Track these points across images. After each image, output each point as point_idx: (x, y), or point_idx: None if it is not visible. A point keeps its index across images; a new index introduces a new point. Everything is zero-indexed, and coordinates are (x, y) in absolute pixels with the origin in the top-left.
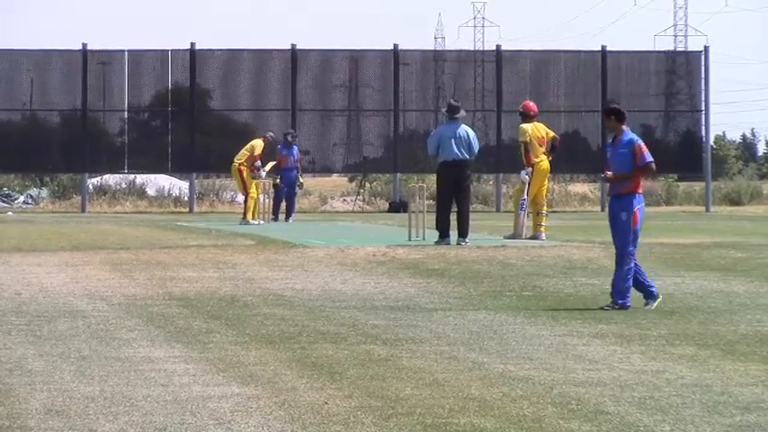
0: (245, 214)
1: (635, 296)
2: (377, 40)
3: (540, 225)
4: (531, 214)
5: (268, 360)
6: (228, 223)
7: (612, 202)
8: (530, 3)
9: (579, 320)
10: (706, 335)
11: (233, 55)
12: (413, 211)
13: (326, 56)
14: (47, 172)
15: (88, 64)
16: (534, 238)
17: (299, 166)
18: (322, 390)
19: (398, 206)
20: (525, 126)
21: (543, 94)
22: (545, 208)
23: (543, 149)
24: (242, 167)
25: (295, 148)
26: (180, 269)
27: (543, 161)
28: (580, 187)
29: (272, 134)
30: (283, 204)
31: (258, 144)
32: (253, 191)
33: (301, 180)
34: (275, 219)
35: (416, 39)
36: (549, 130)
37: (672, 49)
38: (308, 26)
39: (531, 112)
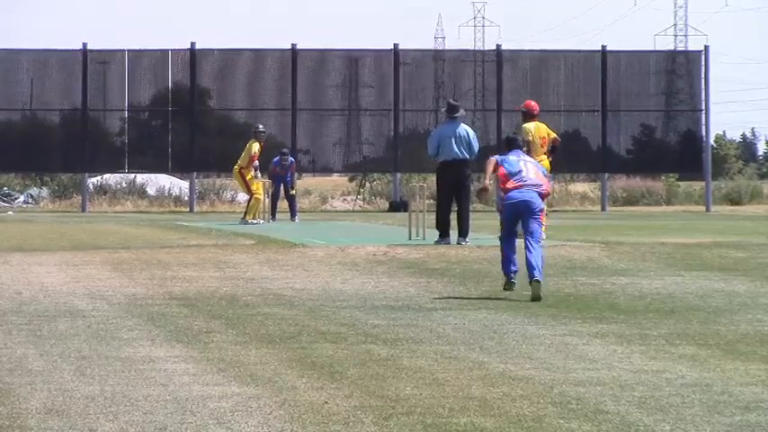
0: (245, 214)
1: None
2: (377, 39)
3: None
4: None
5: (268, 360)
6: (229, 223)
7: None
8: (530, 3)
9: (579, 320)
10: (706, 334)
11: (233, 55)
12: (413, 211)
13: (326, 55)
14: (47, 171)
15: (88, 64)
16: None
17: (292, 173)
18: (322, 389)
19: (399, 206)
20: (528, 125)
21: (543, 93)
22: (545, 207)
23: (544, 150)
24: (243, 171)
25: (289, 159)
26: (180, 269)
27: (543, 161)
28: (580, 187)
29: (260, 127)
30: (286, 204)
31: (253, 145)
32: (258, 191)
33: (293, 192)
34: (273, 219)
35: (416, 38)
36: (550, 131)
37: (672, 48)
38: (307, 26)
39: (534, 111)
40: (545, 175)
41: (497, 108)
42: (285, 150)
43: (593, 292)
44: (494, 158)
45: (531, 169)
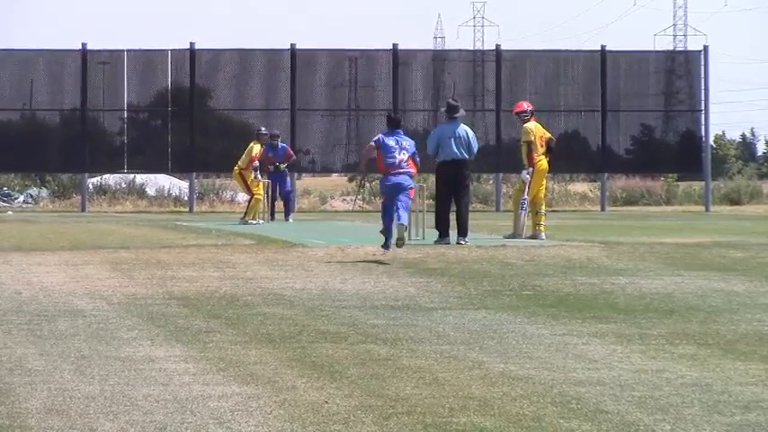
0: (245, 214)
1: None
2: (377, 39)
3: (540, 224)
4: (529, 214)
5: (268, 359)
6: (228, 223)
7: None
8: (530, 3)
9: (579, 320)
10: (706, 334)
11: (232, 55)
12: (412, 211)
13: (326, 55)
14: (47, 171)
15: (88, 64)
16: (534, 237)
17: (289, 162)
18: (322, 389)
19: None
20: (530, 125)
21: (543, 93)
22: (543, 207)
23: (543, 149)
24: (243, 172)
25: (281, 147)
26: (180, 268)
27: (542, 161)
28: (580, 186)
29: (262, 129)
30: (281, 204)
31: (254, 147)
32: (258, 191)
33: (283, 166)
34: (272, 218)
35: (416, 38)
36: (545, 131)
37: (671, 48)
38: (307, 26)
39: (530, 110)
40: (415, 158)
41: (497, 108)
42: (276, 133)
43: (592, 291)
44: (373, 144)
45: (404, 155)
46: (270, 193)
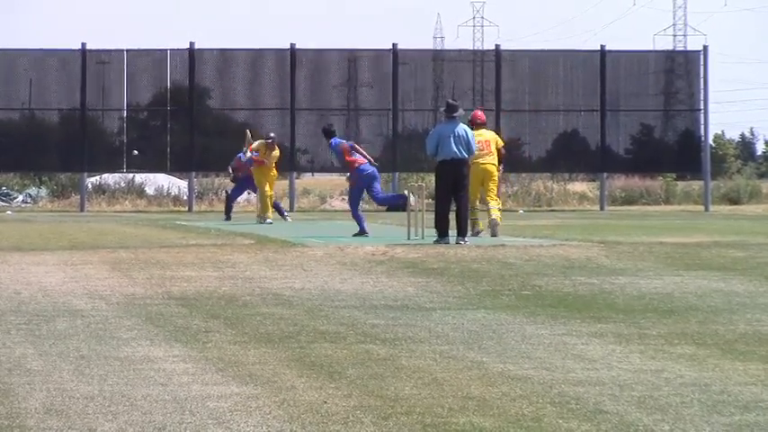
0: (260, 213)
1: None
2: (376, 39)
3: (476, 219)
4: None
5: (267, 359)
6: (228, 222)
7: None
8: (529, 3)
9: (578, 319)
10: (705, 334)
11: (232, 54)
12: (412, 210)
13: (325, 55)
14: (46, 171)
15: (87, 63)
16: (474, 233)
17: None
18: (321, 389)
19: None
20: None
21: (542, 93)
22: (477, 205)
23: (485, 152)
24: (251, 170)
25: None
26: (179, 268)
27: (478, 163)
28: (579, 186)
29: (271, 134)
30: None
31: (257, 143)
32: (266, 188)
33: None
34: (228, 218)
35: (416, 38)
36: (498, 140)
37: (671, 48)
38: (307, 25)
39: (479, 121)
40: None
41: (496, 108)
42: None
43: (591, 291)
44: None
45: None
46: (231, 192)
